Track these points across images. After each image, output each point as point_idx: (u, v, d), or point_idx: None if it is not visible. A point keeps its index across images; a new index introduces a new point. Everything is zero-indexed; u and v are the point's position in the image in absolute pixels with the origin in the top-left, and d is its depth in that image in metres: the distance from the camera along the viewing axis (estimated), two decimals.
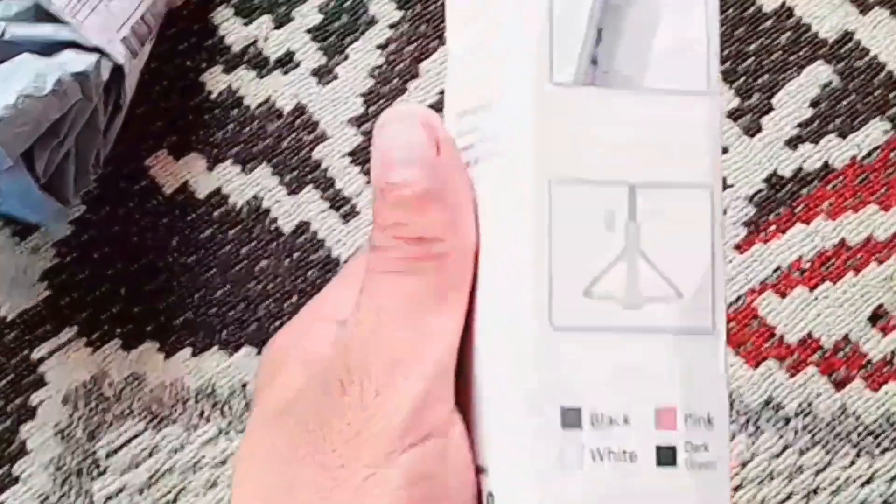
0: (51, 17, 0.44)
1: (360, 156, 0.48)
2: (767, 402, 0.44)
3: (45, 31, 0.44)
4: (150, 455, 0.44)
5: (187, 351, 0.45)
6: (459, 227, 0.24)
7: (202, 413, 0.44)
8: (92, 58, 0.43)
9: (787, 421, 0.44)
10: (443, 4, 0.50)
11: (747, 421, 0.44)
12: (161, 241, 0.46)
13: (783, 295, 0.45)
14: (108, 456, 0.44)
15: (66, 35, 0.44)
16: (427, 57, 0.49)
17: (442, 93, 0.49)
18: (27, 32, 0.44)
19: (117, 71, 0.44)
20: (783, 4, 0.49)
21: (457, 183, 0.24)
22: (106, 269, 0.46)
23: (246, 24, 0.50)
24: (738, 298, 0.45)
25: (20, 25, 0.44)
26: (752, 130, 0.48)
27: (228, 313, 0.46)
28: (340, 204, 0.47)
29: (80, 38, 0.44)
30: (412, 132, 0.24)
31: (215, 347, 0.45)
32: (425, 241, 0.23)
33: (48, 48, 0.43)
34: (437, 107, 0.49)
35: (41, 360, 0.45)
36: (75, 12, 0.44)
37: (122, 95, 0.45)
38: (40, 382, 0.45)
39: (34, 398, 0.45)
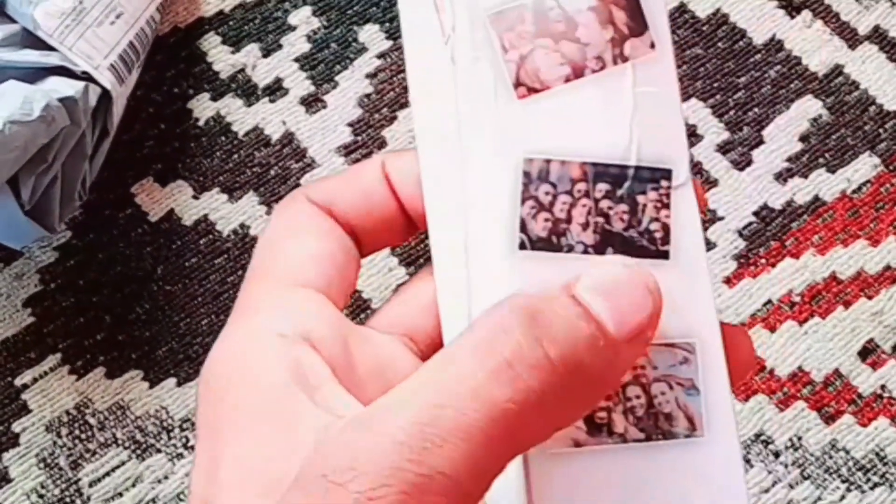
0: (39, 43, 0.44)
1: None
2: (757, 436, 0.44)
3: (32, 56, 0.43)
4: (134, 485, 0.43)
5: (172, 380, 0.45)
6: (575, 386, 0.21)
7: (186, 443, 0.44)
8: (79, 84, 0.43)
9: (777, 455, 0.44)
10: None
11: None
12: (146, 268, 0.46)
13: (773, 329, 0.45)
14: (91, 485, 0.43)
15: (53, 61, 0.43)
16: None
17: None
18: (14, 58, 0.43)
19: (105, 97, 0.44)
20: (773, 38, 0.49)
21: (616, 375, 0.22)
22: (91, 296, 0.46)
23: (234, 52, 0.49)
24: None
25: (7, 51, 0.44)
26: (742, 164, 0.48)
27: (213, 343, 0.45)
28: None
29: (67, 64, 0.43)
30: (650, 299, 0.21)
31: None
32: (550, 360, 0.20)
33: (36, 74, 0.43)
34: None
35: (24, 386, 0.44)
36: (63, 38, 0.44)
37: (110, 121, 0.45)
38: (23, 409, 0.44)
39: (17, 425, 0.44)
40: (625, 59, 0.23)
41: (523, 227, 0.23)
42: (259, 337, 0.23)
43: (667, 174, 0.23)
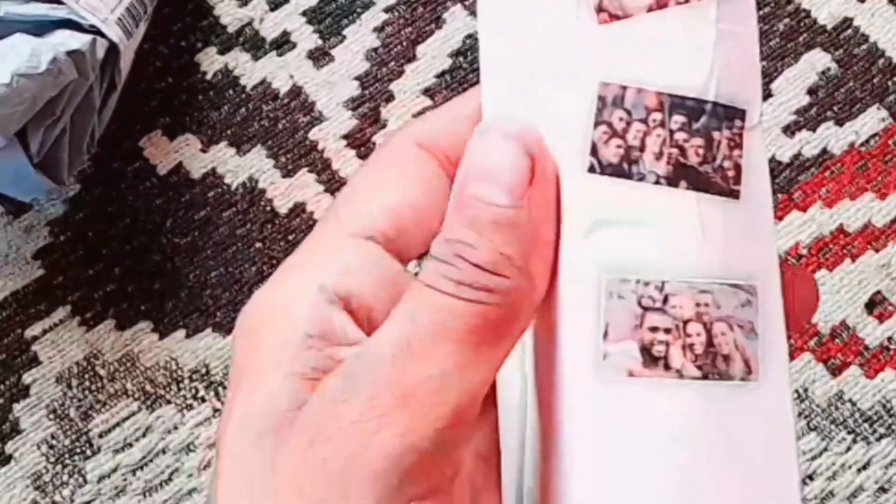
0: None
1: (356, 138, 0.48)
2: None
3: (40, 9, 0.43)
4: (144, 435, 0.44)
5: (181, 332, 0.45)
6: (530, 272, 0.22)
7: (196, 394, 0.44)
8: (87, 37, 0.43)
9: None
10: None
11: None
12: (155, 221, 0.46)
13: None
14: (101, 436, 0.44)
15: (61, 14, 0.43)
16: (424, 40, 0.49)
17: (438, 76, 0.49)
18: (22, 11, 0.43)
19: (112, 50, 0.44)
20: None
21: (541, 225, 0.22)
22: (100, 248, 0.46)
23: (241, 6, 0.49)
24: None
25: (15, 4, 0.43)
26: None
27: (223, 295, 0.45)
28: (336, 186, 0.47)
29: (75, 17, 0.43)
30: (513, 152, 0.22)
31: (209, 329, 0.45)
32: (485, 272, 0.21)
33: (43, 27, 0.43)
34: (435, 89, 0.49)
35: (34, 338, 0.45)
36: None
37: (118, 75, 0.45)
38: (34, 361, 0.44)
39: (27, 377, 0.44)
40: None
41: (594, 151, 0.23)
42: (299, 287, 0.23)
43: (741, 114, 0.23)
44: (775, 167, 0.47)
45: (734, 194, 0.23)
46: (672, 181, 0.23)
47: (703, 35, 0.23)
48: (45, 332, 0.45)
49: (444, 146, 0.25)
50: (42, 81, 0.41)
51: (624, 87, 0.23)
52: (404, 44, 0.49)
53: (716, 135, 0.23)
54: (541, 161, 0.22)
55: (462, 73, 0.49)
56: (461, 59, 0.49)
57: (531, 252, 0.22)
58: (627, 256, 0.22)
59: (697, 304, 0.22)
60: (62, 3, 0.44)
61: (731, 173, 0.23)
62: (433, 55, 0.49)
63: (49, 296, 0.45)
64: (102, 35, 0.44)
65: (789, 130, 0.47)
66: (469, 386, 0.21)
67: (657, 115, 0.23)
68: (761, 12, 0.49)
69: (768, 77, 0.48)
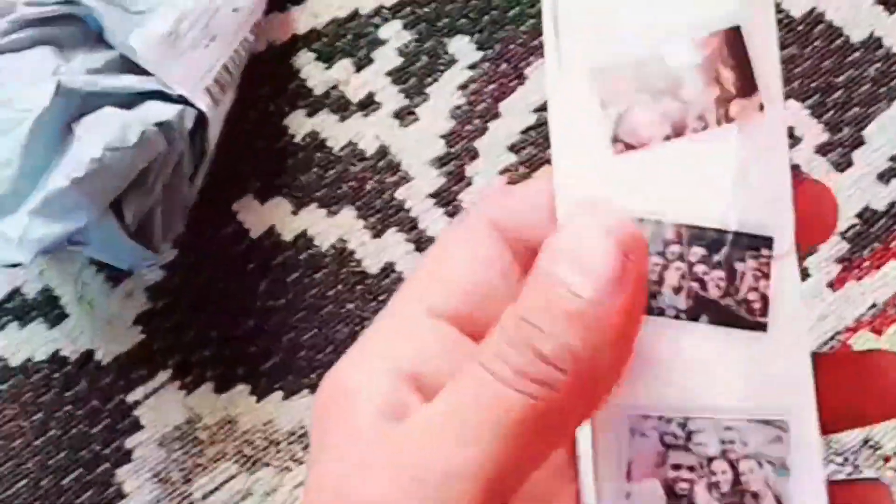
0: (136, 68, 0.45)
1: (443, 196, 0.48)
2: (865, 442, 0.43)
3: (130, 81, 0.45)
4: (244, 498, 0.44)
5: (278, 394, 0.46)
6: (592, 373, 0.21)
7: (294, 456, 0.45)
8: (176, 108, 0.44)
9: (887, 460, 0.43)
10: (522, 45, 0.50)
11: (845, 461, 0.43)
12: (249, 284, 0.47)
13: (879, 332, 0.44)
14: (203, 498, 0.44)
15: (151, 85, 0.44)
16: (507, 96, 0.49)
17: (523, 132, 0.49)
18: (115, 83, 0.44)
19: (201, 119, 0.45)
20: (871, 35, 0.48)
21: (622, 333, 0.21)
22: (197, 312, 0.47)
23: (327, 68, 0.50)
24: (833, 336, 0.45)
25: (107, 77, 0.45)
26: (843, 165, 0.47)
27: (317, 356, 0.46)
28: (425, 245, 0.47)
29: (164, 88, 0.44)
30: (609, 246, 0.21)
31: (306, 390, 0.46)
32: (546, 364, 0.21)
33: (133, 99, 0.44)
34: (519, 146, 0.49)
35: (136, 403, 0.46)
36: (159, 63, 0.45)
37: (207, 143, 0.46)
38: (136, 426, 0.46)
39: (129, 441, 0.45)
40: (730, 120, 0.22)
41: None
42: (373, 367, 0.24)
43: (768, 242, 0.22)
44: (871, 216, 0.46)
45: (760, 327, 0.22)
46: (692, 315, 0.22)
47: (723, 163, 0.22)
48: (146, 396, 0.46)
49: (517, 228, 0.25)
50: (133, 154, 0.42)
51: (641, 220, 0.22)
52: (488, 101, 0.49)
53: (739, 266, 0.22)
54: (635, 264, 0.21)
55: (546, 130, 0.49)
56: (544, 114, 0.49)
57: (601, 354, 0.21)
58: (649, 392, 0.22)
59: (722, 442, 0.22)
60: (150, 75, 0.45)
61: (756, 305, 0.22)
62: (517, 111, 0.49)
63: (149, 361, 0.46)
64: (191, 105, 0.45)
65: (884, 177, 0.47)
66: (499, 479, 0.21)
67: (675, 248, 0.22)
68: (851, 58, 0.48)
69: (860, 124, 0.47)
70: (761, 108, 0.22)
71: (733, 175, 0.22)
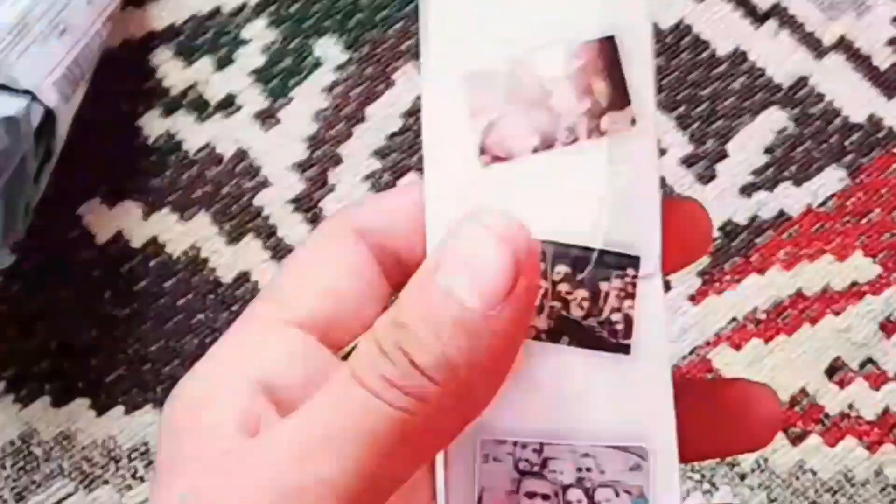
0: None
1: (304, 203, 0.46)
2: (723, 458, 0.43)
3: None
4: None
5: (120, 408, 0.43)
6: (471, 388, 0.20)
7: (135, 473, 0.43)
8: (22, 102, 0.42)
9: (743, 477, 0.43)
10: (390, 48, 0.49)
11: (702, 477, 0.43)
12: (94, 292, 0.45)
13: (738, 347, 0.44)
14: None
15: None
16: (374, 100, 0.48)
17: (389, 137, 0.47)
18: None
19: (48, 115, 0.43)
20: (737, 49, 0.48)
21: (503, 344, 0.20)
22: (36, 322, 0.44)
23: (186, 67, 0.48)
24: (693, 351, 0.44)
25: None
26: (706, 178, 0.47)
27: (163, 369, 0.44)
28: (283, 253, 0.46)
29: (9, 82, 0.42)
30: (500, 254, 0.20)
31: (149, 405, 0.43)
32: (422, 375, 0.20)
33: None
34: (385, 151, 0.48)
35: None
36: (5, 55, 0.43)
37: (54, 141, 0.43)
38: None
39: None
40: (601, 133, 0.21)
41: None
42: (227, 378, 0.23)
43: (634, 262, 0.21)
44: (733, 229, 0.46)
45: (623, 349, 0.21)
46: (552, 336, 0.21)
47: (592, 177, 0.21)
48: None
49: (380, 235, 0.24)
50: None
51: None
52: (353, 105, 0.48)
53: (603, 286, 0.21)
54: (526, 274, 0.20)
55: (413, 135, 0.48)
56: (411, 119, 0.48)
57: (480, 368, 0.20)
58: (504, 415, 0.21)
59: (579, 469, 0.21)
60: None
61: (619, 326, 0.21)
62: (383, 116, 0.48)
63: None
64: (38, 100, 0.42)
65: (746, 192, 0.47)
66: (360, 495, 0.20)
67: (539, 266, 0.21)
68: (717, 71, 0.48)
69: (724, 137, 0.47)
70: (633, 122, 0.22)
71: (601, 191, 0.21)
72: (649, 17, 0.22)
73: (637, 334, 0.21)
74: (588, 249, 0.21)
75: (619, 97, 0.21)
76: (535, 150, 0.21)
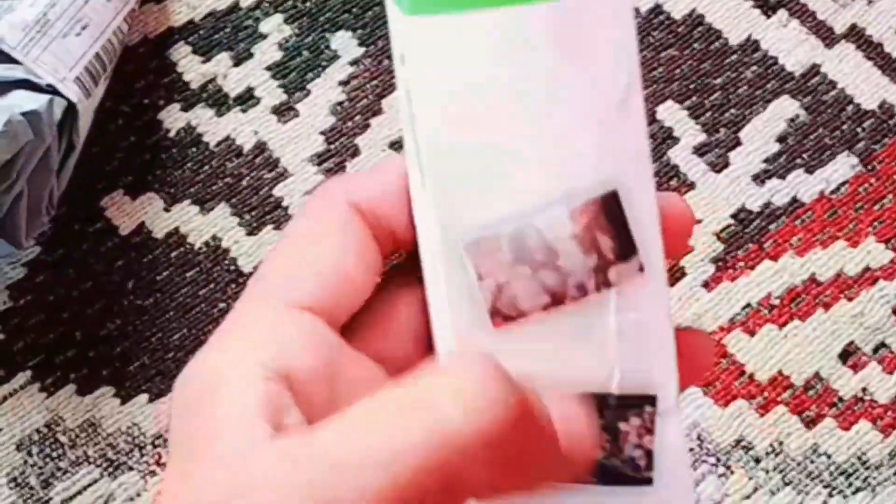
0: (2, 56, 0.43)
1: None
2: (738, 442, 0.43)
3: None
4: (106, 503, 0.43)
5: (144, 396, 0.44)
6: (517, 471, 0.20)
7: (159, 460, 0.43)
8: (44, 97, 0.42)
9: (758, 461, 0.43)
10: None
11: (717, 461, 0.43)
12: (117, 283, 0.45)
13: (752, 333, 0.45)
14: (63, 503, 0.43)
15: (18, 74, 0.43)
16: (390, 93, 0.48)
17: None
18: None
19: (70, 110, 0.43)
20: (749, 38, 0.49)
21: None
22: (60, 312, 0.45)
23: (205, 62, 0.49)
24: None
25: None
26: (719, 166, 0.47)
27: (186, 358, 0.44)
28: None
29: (32, 77, 0.43)
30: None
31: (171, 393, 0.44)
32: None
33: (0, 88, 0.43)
34: (401, 143, 0.49)
35: None
36: (27, 51, 0.44)
37: (76, 135, 0.44)
38: None
39: None
40: (609, 286, 0.21)
41: None
42: (238, 364, 0.22)
43: (651, 400, 0.22)
44: (746, 216, 0.46)
45: (646, 481, 0.22)
46: (577, 478, 0.21)
47: (603, 329, 0.21)
48: (4, 398, 0.44)
49: (373, 208, 0.24)
50: None
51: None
52: (370, 97, 0.48)
53: (623, 426, 0.22)
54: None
55: None
56: None
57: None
58: None
59: None
60: (19, 63, 0.43)
61: (641, 462, 0.22)
62: (399, 108, 0.48)
63: (8, 361, 0.44)
64: (60, 94, 0.43)
65: (759, 179, 0.47)
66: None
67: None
68: (729, 60, 0.49)
69: (736, 126, 0.48)
70: (641, 268, 0.22)
71: (614, 339, 0.22)
72: (650, 162, 0.22)
73: (659, 465, 0.22)
74: (605, 396, 0.21)
75: (626, 248, 0.21)
76: (546, 308, 0.21)
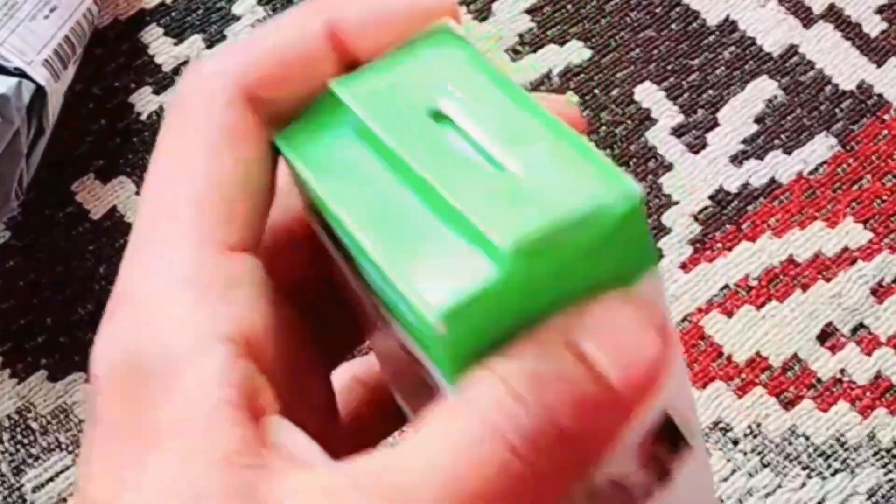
0: None
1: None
2: (716, 424, 0.43)
3: None
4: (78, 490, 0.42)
5: None
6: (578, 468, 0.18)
7: None
8: (12, 80, 0.42)
9: (736, 443, 0.43)
10: None
11: None
12: (88, 268, 0.45)
13: (730, 314, 0.44)
14: (34, 490, 0.42)
15: None
16: None
17: None
18: None
19: (39, 93, 0.43)
20: (727, 18, 0.49)
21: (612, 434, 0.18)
22: (31, 297, 0.44)
23: (177, 44, 0.48)
24: (685, 318, 0.44)
25: None
26: (697, 147, 0.47)
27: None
28: None
29: None
30: (658, 348, 0.18)
31: None
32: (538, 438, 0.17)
33: None
34: None
35: None
36: None
37: (45, 119, 0.44)
38: None
39: None
40: (670, 478, 0.21)
41: None
42: (195, 333, 0.18)
43: None
44: (724, 198, 0.46)
45: None
46: None
47: None
48: None
49: (267, 83, 0.19)
50: None
51: None
52: None
53: None
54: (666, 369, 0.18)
55: None
56: None
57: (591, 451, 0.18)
58: None
59: None
60: None
61: None
62: None
63: None
64: (29, 78, 0.43)
65: (737, 160, 0.47)
66: None
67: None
68: (707, 41, 0.48)
69: (714, 107, 0.47)
70: (689, 447, 0.21)
71: None
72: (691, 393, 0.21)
73: None
74: None
75: (679, 445, 0.20)
76: None
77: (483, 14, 0.49)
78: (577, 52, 0.48)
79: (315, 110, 0.19)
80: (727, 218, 0.46)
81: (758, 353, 0.44)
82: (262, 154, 0.19)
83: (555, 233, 0.17)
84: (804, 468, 0.42)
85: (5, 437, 0.43)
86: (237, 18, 0.49)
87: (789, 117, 0.47)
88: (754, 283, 0.45)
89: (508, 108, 0.18)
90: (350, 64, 0.20)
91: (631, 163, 0.46)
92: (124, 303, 0.19)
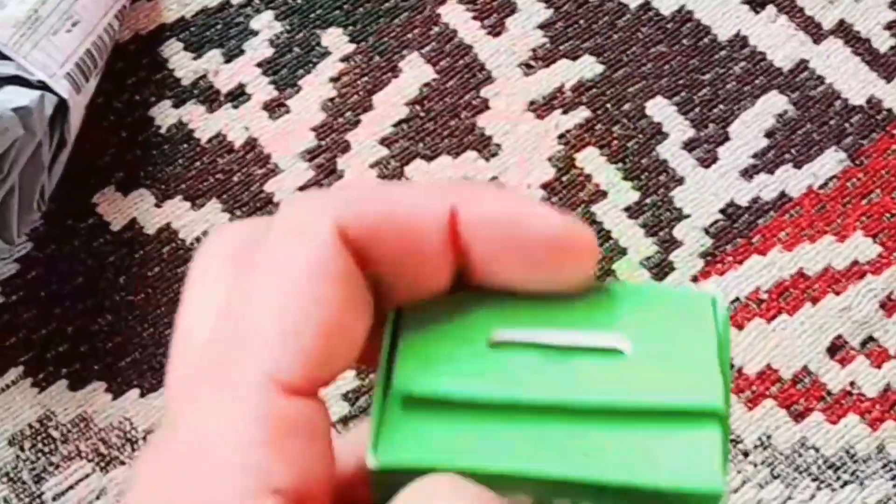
0: None
1: (313, 189, 0.47)
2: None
3: None
4: (98, 498, 0.43)
5: (135, 391, 0.44)
6: None
7: None
8: (35, 93, 0.43)
9: (746, 455, 0.43)
10: (395, 37, 0.49)
11: None
12: (109, 279, 0.46)
13: (740, 327, 0.45)
14: (55, 498, 0.43)
15: (9, 70, 0.43)
16: (380, 89, 0.49)
17: (395, 125, 0.48)
18: None
19: (61, 106, 0.44)
20: (738, 34, 0.49)
21: None
22: (52, 308, 0.45)
23: (196, 58, 0.49)
24: None
25: None
26: (708, 161, 0.47)
27: None
28: None
29: (23, 73, 0.43)
30: None
31: (163, 388, 0.44)
32: None
33: None
34: (392, 139, 0.49)
35: None
36: (18, 47, 0.44)
37: (67, 131, 0.44)
38: None
39: None
40: None
41: None
42: (244, 485, 0.17)
43: None
44: (734, 211, 0.47)
45: None
46: None
47: None
48: None
49: (366, 241, 0.18)
50: None
51: None
52: (360, 93, 0.49)
53: None
54: None
55: (419, 122, 0.48)
56: (417, 107, 0.49)
57: None
58: None
59: None
60: (10, 59, 0.43)
61: None
62: (390, 104, 0.49)
63: (0, 357, 0.44)
64: (51, 91, 0.43)
65: (747, 174, 0.47)
66: None
67: None
68: (717, 56, 0.49)
69: (725, 121, 0.48)
70: None
71: None
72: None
73: None
74: None
75: None
76: None
77: (497, 29, 0.50)
78: (589, 67, 0.49)
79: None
80: (738, 231, 0.46)
81: (768, 366, 0.44)
82: (355, 297, 0.18)
83: None
84: (814, 480, 0.43)
85: (26, 445, 0.43)
86: (255, 33, 0.50)
87: (799, 132, 0.48)
88: (764, 296, 0.45)
89: None
90: (459, 257, 0.18)
91: (642, 177, 0.47)
92: (172, 438, 0.18)
